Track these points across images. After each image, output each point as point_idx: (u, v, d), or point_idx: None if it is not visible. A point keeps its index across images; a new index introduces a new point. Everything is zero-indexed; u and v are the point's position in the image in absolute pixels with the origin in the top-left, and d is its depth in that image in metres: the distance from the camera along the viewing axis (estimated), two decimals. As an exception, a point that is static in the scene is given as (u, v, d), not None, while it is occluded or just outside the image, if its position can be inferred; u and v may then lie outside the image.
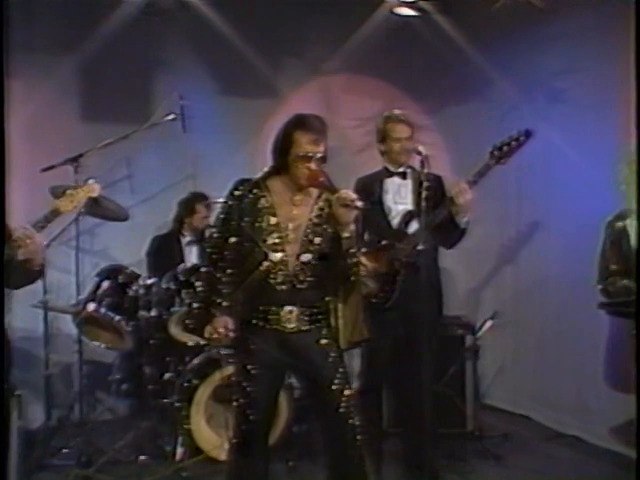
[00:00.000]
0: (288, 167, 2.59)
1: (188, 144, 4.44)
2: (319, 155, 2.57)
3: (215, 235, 2.65)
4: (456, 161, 4.40)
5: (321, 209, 2.64)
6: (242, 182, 2.65)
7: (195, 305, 2.68)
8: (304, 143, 2.55)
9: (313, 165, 2.56)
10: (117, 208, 3.85)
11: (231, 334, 2.58)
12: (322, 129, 2.57)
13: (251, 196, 2.61)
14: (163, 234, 4.50)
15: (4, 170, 2.38)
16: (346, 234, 2.56)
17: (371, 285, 3.29)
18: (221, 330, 2.57)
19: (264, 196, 2.61)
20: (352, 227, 2.56)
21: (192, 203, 4.44)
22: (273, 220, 2.59)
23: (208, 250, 2.66)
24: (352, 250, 2.60)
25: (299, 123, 2.58)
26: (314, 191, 2.64)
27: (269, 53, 4.77)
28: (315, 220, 2.63)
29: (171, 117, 4.00)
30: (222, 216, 2.64)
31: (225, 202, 2.65)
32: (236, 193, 2.62)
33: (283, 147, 2.59)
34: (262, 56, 4.73)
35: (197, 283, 2.66)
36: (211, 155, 4.64)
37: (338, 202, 2.51)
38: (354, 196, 2.51)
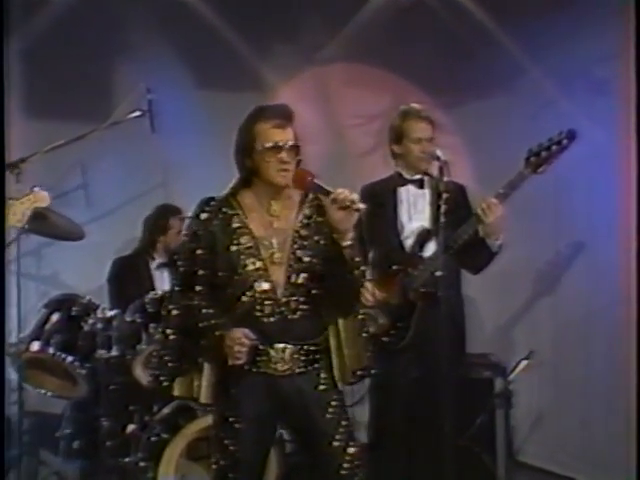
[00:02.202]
0: (257, 170, 2.57)
1: (157, 147, 4.47)
2: (290, 143, 2.56)
3: (181, 269, 2.63)
4: (480, 168, 4.43)
5: (308, 217, 2.63)
6: (207, 202, 2.62)
7: (170, 334, 2.60)
8: (268, 131, 2.55)
9: (285, 155, 2.54)
10: (69, 225, 3.84)
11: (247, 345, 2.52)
12: (287, 114, 2.58)
13: (221, 216, 2.60)
14: (128, 255, 4.49)
15: None
16: (347, 242, 2.54)
17: (381, 320, 3.31)
18: (245, 341, 2.50)
19: (236, 214, 2.60)
20: (352, 234, 2.54)
21: (165, 217, 4.45)
22: (250, 241, 2.57)
23: (176, 290, 2.63)
24: (357, 259, 2.58)
25: (258, 113, 2.59)
26: (295, 195, 2.63)
27: (255, 38, 4.77)
28: (302, 232, 2.61)
29: (136, 114, 4.01)
30: (187, 246, 2.62)
31: (190, 229, 2.63)
32: (202, 216, 2.60)
33: (245, 145, 2.58)
34: (247, 42, 4.74)
35: (170, 306, 2.61)
36: (185, 160, 4.66)
37: (334, 205, 2.49)
38: (354, 196, 2.49)
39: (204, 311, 2.56)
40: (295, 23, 4.88)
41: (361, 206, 2.48)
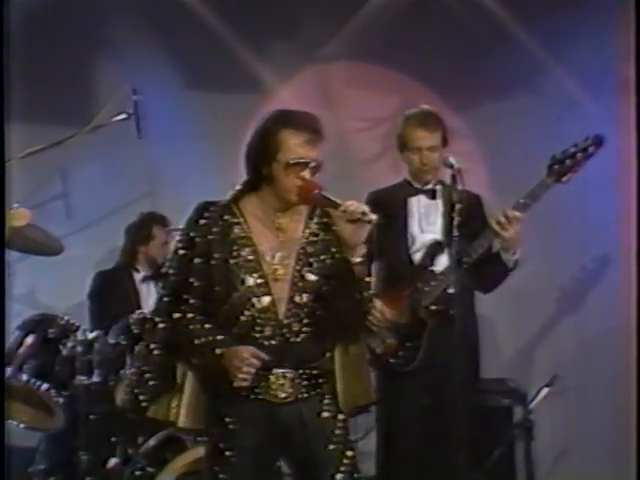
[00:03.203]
0: (272, 179, 2.56)
1: (144, 153, 4.47)
2: (315, 163, 2.55)
3: (172, 279, 2.60)
4: (496, 176, 4.44)
5: (314, 234, 2.61)
6: (206, 207, 2.60)
7: (155, 349, 2.58)
8: (295, 146, 2.53)
9: (307, 174, 2.53)
10: (47, 238, 3.82)
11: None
12: (317, 128, 2.56)
13: (220, 224, 2.58)
14: (111, 269, 4.48)
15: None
16: (357, 259, 2.52)
17: (388, 340, 3.29)
18: (254, 361, 2.48)
19: (238, 223, 2.58)
20: (363, 249, 2.52)
21: (148, 226, 4.44)
22: (252, 254, 2.56)
23: (165, 301, 2.60)
24: (368, 280, 2.58)
25: (286, 120, 2.56)
26: (302, 209, 2.62)
27: (251, 34, 4.76)
28: (308, 248, 2.59)
29: (121, 117, 4.01)
30: (181, 252, 2.59)
31: (185, 234, 2.60)
32: (201, 222, 2.58)
33: (266, 153, 2.55)
34: (242, 38, 4.73)
35: (157, 319, 2.59)
36: (175, 167, 4.67)
37: (344, 217, 2.48)
38: (364, 207, 2.48)
39: (199, 326, 2.54)
40: (294, 18, 4.87)
41: (373, 217, 2.46)
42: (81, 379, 3.80)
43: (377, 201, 3.36)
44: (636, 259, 3.52)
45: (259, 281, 2.54)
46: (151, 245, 4.42)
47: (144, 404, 2.58)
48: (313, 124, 2.55)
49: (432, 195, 3.44)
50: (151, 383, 2.58)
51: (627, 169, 4.28)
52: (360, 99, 4.89)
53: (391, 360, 3.27)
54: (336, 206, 2.49)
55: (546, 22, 4.57)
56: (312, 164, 2.53)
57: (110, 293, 4.34)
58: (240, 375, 2.46)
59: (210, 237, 2.55)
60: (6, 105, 4.42)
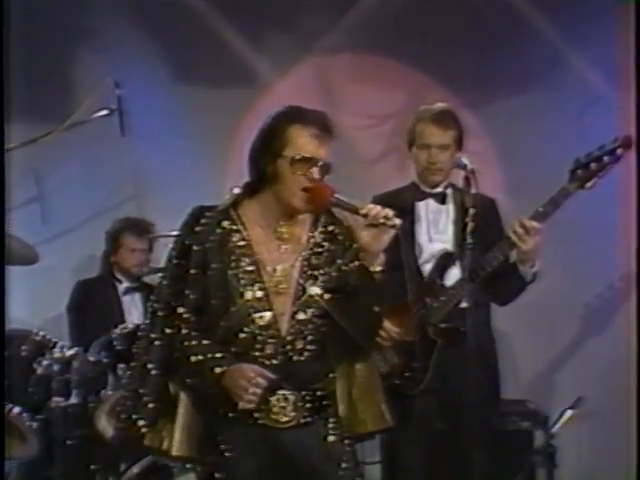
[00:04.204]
0: (277, 180, 2.55)
1: (128, 152, 4.48)
2: (325, 162, 2.55)
3: (166, 291, 2.58)
4: (513, 178, 4.43)
5: (319, 244, 2.61)
6: (202, 212, 2.59)
7: (152, 369, 2.55)
8: (304, 142, 2.53)
9: (315, 172, 2.53)
10: (21, 247, 3.83)
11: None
12: (328, 125, 2.57)
13: (219, 231, 2.57)
14: (91, 279, 4.49)
15: None
16: (378, 267, 2.52)
17: (393, 359, 3.27)
18: (260, 380, 2.45)
19: (237, 231, 2.58)
20: (382, 257, 2.52)
21: (117, 232, 4.43)
22: (252, 264, 2.55)
23: (159, 315, 2.58)
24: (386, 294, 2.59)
25: (296, 115, 2.57)
26: (306, 217, 2.62)
27: (244, 23, 4.75)
28: (313, 260, 2.59)
29: (103, 113, 4.05)
30: (175, 262, 2.58)
31: (180, 242, 2.59)
32: (197, 229, 2.57)
33: (272, 150, 2.55)
34: (235, 27, 4.73)
35: (152, 335, 2.55)
36: (162, 168, 4.65)
37: (364, 222, 2.49)
38: (388, 211, 2.48)
39: (195, 342, 2.52)
40: (292, 5, 4.87)
41: (397, 222, 2.46)
42: (58, 401, 3.78)
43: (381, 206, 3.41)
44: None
45: (259, 295, 2.53)
46: (119, 253, 4.42)
47: (143, 430, 2.54)
48: (323, 121, 2.56)
49: (442, 199, 3.42)
50: (150, 406, 2.55)
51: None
52: (364, 94, 4.87)
53: (397, 382, 3.25)
54: (356, 210, 2.49)
55: (567, 10, 4.57)
56: (320, 163, 2.53)
57: (91, 305, 4.33)
58: (246, 396, 2.44)
59: (207, 245, 2.54)
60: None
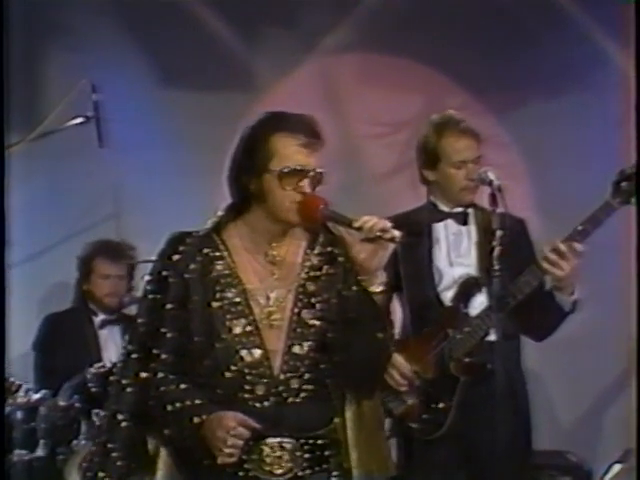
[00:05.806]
0: (264, 197, 2.53)
1: (106, 166, 4.51)
2: (316, 170, 2.53)
3: (141, 330, 2.56)
4: (546, 195, 4.48)
5: (316, 268, 2.59)
6: (181, 238, 2.58)
7: (122, 420, 2.53)
8: (292, 152, 2.52)
9: (306, 185, 2.50)
10: None
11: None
12: (316, 130, 2.56)
13: (199, 259, 2.56)
14: (63, 311, 4.51)
15: None
16: (377, 288, 2.51)
17: (409, 400, 3.26)
18: (242, 431, 2.43)
19: (221, 257, 2.57)
20: (384, 277, 2.50)
21: (88, 258, 4.43)
22: (239, 295, 2.54)
23: (133, 357, 2.56)
24: (390, 316, 2.66)
25: (279, 122, 2.56)
26: (301, 238, 2.60)
27: (240, 20, 4.81)
28: (310, 286, 2.57)
29: (78, 121, 4.06)
30: (151, 297, 2.58)
31: (156, 273, 2.59)
32: (174, 257, 2.56)
33: (255, 164, 2.53)
34: (229, 25, 4.80)
35: (124, 381, 2.53)
36: (144, 184, 4.71)
37: (359, 236, 2.47)
38: (385, 223, 2.44)
39: (173, 387, 2.51)
40: (294, 1, 4.91)
41: (396, 234, 2.43)
42: (20, 454, 3.84)
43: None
44: None
45: (248, 329, 2.51)
46: (91, 281, 4.41)
47: None
48: (310, 126, 2.54)
49: (463, 220, 3.41)
50: (119, 463, 2.53)
51: None
52: (374, 99, 4.89)
53: (413, 425, 3.26)
54: (349, 223, 2.46)
55: (607, 2, 4.60)
56: (311, 173, 2.50)
57: (61, 342, 4.34)
58: (225, 449, 2.42)
59: (186, 276, 2.53)
60: None
